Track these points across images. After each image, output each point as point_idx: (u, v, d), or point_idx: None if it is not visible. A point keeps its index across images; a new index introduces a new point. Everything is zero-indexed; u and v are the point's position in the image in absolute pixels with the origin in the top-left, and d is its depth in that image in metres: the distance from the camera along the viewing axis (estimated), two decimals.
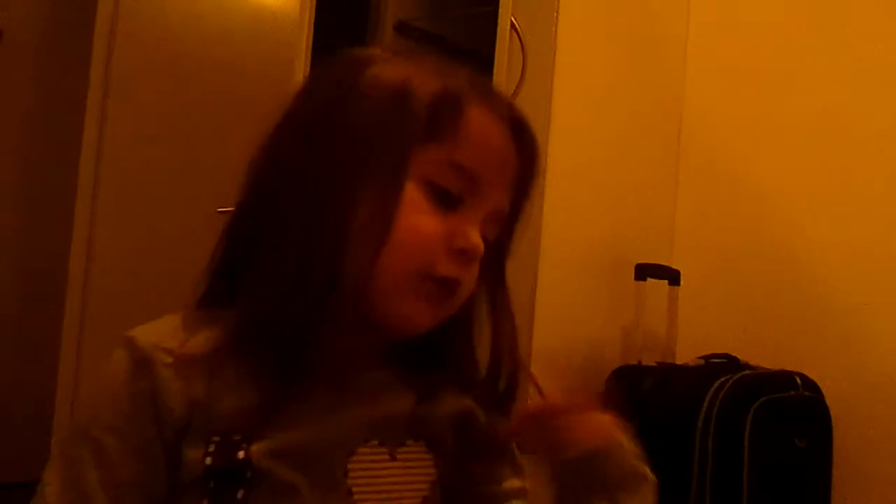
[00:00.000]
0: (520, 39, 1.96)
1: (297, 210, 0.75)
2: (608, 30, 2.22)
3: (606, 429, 0.82)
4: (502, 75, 1.93)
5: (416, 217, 0.74)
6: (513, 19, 1.95)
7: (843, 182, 2.25)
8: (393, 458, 0.77)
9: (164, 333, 0.74)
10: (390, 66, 0.79)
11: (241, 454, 0.71)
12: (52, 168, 3.05)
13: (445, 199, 0.76)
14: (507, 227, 0.83)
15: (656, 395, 1.97)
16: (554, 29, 1.99)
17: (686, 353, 2.20)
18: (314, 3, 2.13)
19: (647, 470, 0.82)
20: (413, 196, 0.74)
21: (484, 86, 0.80)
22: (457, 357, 0.83)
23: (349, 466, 0.75)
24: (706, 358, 2.10)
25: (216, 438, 0.71)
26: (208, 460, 0.70)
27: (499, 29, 1.96)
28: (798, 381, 2.00)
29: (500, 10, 1.97)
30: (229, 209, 2.27)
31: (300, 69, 2.10)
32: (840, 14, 2.30)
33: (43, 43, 3.15)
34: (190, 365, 0.72)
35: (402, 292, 0.75)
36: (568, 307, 2.05)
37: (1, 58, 3.07)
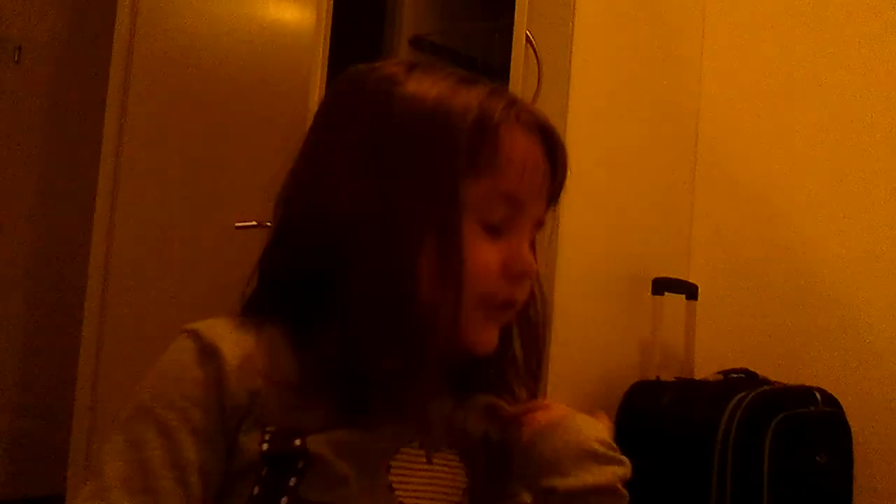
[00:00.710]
0: (535, 53, 1.96)
1: (365, 250, 0.76)
2: (624, 44, 2.22)
3: (558, 413, 0.83)
4: (518, 89, 1.93)
5: (477, 249, 0.77)
6: (528, 33, 1.95)
7: (862, 195, 2.24)
8: (429, 462, 0.80)
9: (223, 330, 0.77)
10: (417, 87, 0.79)
11: (297, 442, 0.73)
12: (70, 182, 3.07)
13: (495, 227, 0.79)
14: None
15: (674, 410, 1.96)
16: (569, 43, 1.98)
17: (704, 369, 2.18)
18: (331, 16, 2.14)
19: (607, 450, 0.81)
20: (469, 228, 0.77)
21: (509, 99, 0.81)
22: (499, 359, 0.86)
23: (392, 463, 0.77)
24: (725, 373, 2.08)
25: (272, 428, 0.73)
26: (265, 447, 0.72)
27: (514, 43, 1.96)
28: (818, 396, 1.98)
29: (516, 23, 1.97)
30: (248, 224, 2.27)
31: (316, 83, 2.11)
32: (856, 29, 2.29)
33: (61, 59, 3.18)
34: (250, 360, 0.74)
35: (471, 322, 0.78)
36: (585, 322, 2.04)
37: (20, 73, 3.10)
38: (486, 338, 0.80)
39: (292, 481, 0.72)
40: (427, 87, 0.79)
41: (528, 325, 0.87)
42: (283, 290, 0.81)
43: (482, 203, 0.77)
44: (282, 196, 0.84)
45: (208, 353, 0.74)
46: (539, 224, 0.83)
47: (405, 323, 0.75)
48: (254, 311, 0.82)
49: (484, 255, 0.77)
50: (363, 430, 0.75)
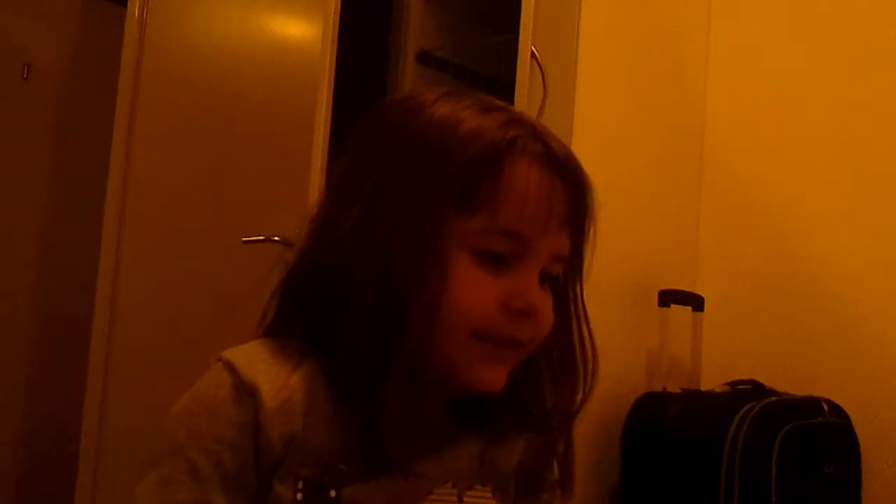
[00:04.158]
0: (540, 68, 1.97)
1: (358, 282, 0.76)
2: (628, 57, 2.23)
3: None
4: (523, 104, 1.94)
5: (468, 283, 0.75)
6: (533, 48, 1.96)
7: (868, 205, 2.24)
8: (460, 501, 0.80)
9: (261, 363, 0.75)
10: (430, 117, 0.78)
11: (332, 493, 0.72)
12: (79, 197, 3.08)
13: (497, 261, 0.76)
14: (570, 264, 0.83)
15: (681, 422, 1.96)
16: (574, 58, 1.99)
17: (711, 380, 2.18)
18: (337, 32, 2.16)
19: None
20: (462, 263, 0.75)
21: (523, 129, 0.78)
22: (523, 396, 0.84)
23: None
24: (732, 384, 2.08)
25: (307, 475, 0.72)
26: (299, 496, 0.71)
27: (519, 58, 1.97)
28: (825, 407, 1.98)
29: (521, 39, 1.98)
30: (255, 239, 2.29)
31: (323, 98, 2.12)
32: (863, 37, 2.30)
33: (70, 77, 3.20)
34: (289, 401, 0.73)
35: (469, 358, 0.76)
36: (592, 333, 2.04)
37: (29, 90, 3.12)
38: (488, 376, 0.77)
39: None
40: (440, 115, 0.78)
41: (560, 365, 0.84)
42: (307, 319, 0.80)
43: (478, 236, 0.75)
44: (310, 220, 0.84)
45: (245, 391, 0.73)
46: (560, 256, 0.80)
47: (397, 359, 0.73)
48: (283, 331, 0.80)
49: (477, 290, 0.75)
50: (397, 476, 0.75)
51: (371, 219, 0.77)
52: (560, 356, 0.84)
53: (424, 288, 0.74)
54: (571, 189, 0.80)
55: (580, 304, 0.86)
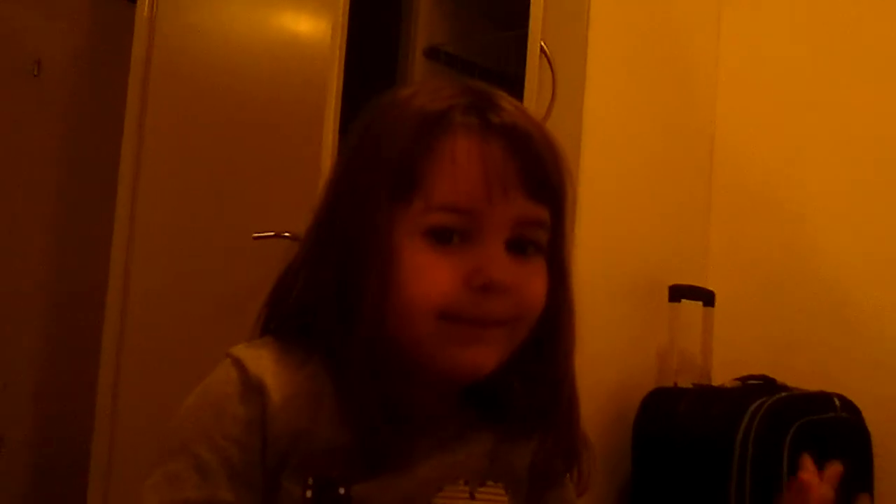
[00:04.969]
0: (550, 64, 1.96)
1: (325, 270, 0.78)
2: (638, 53, 2.22)
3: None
4: (532, 100, 1.94)
5: (421, 265, 0.74)
6: (543, 43, 1.96)
7: (879, 201, 2.23)
8: (472, 497, 0.79)
9: (268, 360, 0.75)
10: (391, 109, 0.79)
11: (341, 490, 0.72)
12: (89, 193, 3.09)
13: (448, 239, 0.75)
14: (553, 233, 0.81)
15: (692, 417, 1.96)
16: (584, 53, 1.99)
17: (722, 375, 2.18)
18: (346, 28, 2.16)
19: None
20: (412, 247, 0.74)
21: (469, 101, 0.77)
22: (529, 392, 0.82)
23: (434, 502, 0.77)
24: (743, 379, 2.08)
25: (316, 473, 0.72)
26: (308, 493, 0.72)
27: (529, 53, 1.97)
28: (836, 402, 1.98)
29: (530, 34, 1.97)
30: (265, 234, 2.29)
31: (332, 94, 2.12)
32: (873, 36, 2.29)
33: (81, 73, 3.21)
34: (295, 397, 0.73)
35: (443, 342, 0.75)
36: (601, 330, 2.04)
37: (40, 87, 3.13)
38: (467, 358, 0.75)
39: None
40: (393, 105, 0.79)
41: (547, 340, 0.83)
42: (297, 318, 0.80)
43: (421, 218, 0.74)
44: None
45: (253, 387, 0.73)
46: (530, 220, 0.77)
47: (355, 347, 0.73)
48: (287, 329, 0.81)
49: (432, 270, 0.73)
50: (407, 473, 0.75)
51: (331, 215, 0.79)
52: (545, 328, 0.82)
53: (374, 275, 0.73)
54: (518, 153, 0.76)
55: (565, 272, 0.84)
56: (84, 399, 2.63)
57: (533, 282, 0.78)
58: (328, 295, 0.76)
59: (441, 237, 0.74)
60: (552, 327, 0.83)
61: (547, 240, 0.80)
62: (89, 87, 3.22)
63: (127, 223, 2.59)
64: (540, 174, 0.77)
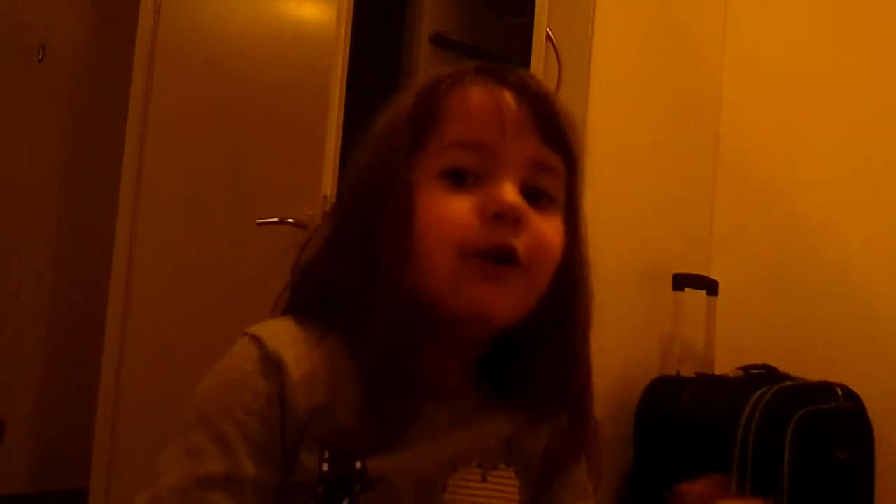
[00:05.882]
0: (555, 50, 1.96)
1: (350, 242, 0.80)
2: (644, 40, 2.22)
3: None
4: None
5: (437, 201, 0.76)
6: (548, 30, 1.96)
7: (883, 189, 2.23)
8: (484, 480, 0.80)
9: (286, 337, 0.76)
10: (401, 91, 0.82)
11: (357, 464, 0.73)
12: (93, 179, 3.10)
13: (463, 177, 0.77)
14: (568, 190, 0.82)
15: (695, 406, 1.96)
16: (589, 40, 1.99)
17: (725, 364, 2.18)
18: (351, 14, 2.15)
19: None
20: (428, 187, 0.76)
21: (477, 69, 0.81)
22: (547, 371, 0.83)
23: (448, 483, 0.77)
24: (745, 369, 2.08)
25: (333, 446, 0.73)
26: (325, 466, 0.72)
27: (534, 40, 1.97)
28: (839, 392, 1.98)
29: (536, 21, 1.97)
30: (269, 221, 2.29)
31: (337, 81, 2.12)
32: (880, 23, 2.28)
33: (85, 58, 3.22)
34: (313, 373, 0.74)
35: (462, 278, 0.75)
36: (605, 318, 2.04)
37: (44, 71, 3.14)
38: (484, 296, 0.75)
39: (345, 502, 0.72)
40: (416, 80, 0.82)
41: (564, 304, 0.83)
42: (318, 294, 0.81)
43: (435, 159, 0.77)
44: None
45: (272, 363, 0.73)
46: (541, 164, 0.79)
47: (380, 293, 0.75)
48: (306, 311, 0.81)
49: (448, 205, 0.75)
50: (422, 448, 0.75)
51: (352, 185, 0.82)
52: (563, 288, 0.83)
53: (394, 220, 0.75)
54: (532, 102, 0.78)
55: (581, 230, 0.85)
56: (88, 385, 2.64)
57: (548, 226, 0.79)
58: (351, 255, 0.78)
59: (455, 178, 0.76)
60: (570, 288, 0.84)
61: (562, 196, 0.81)
62: (94, 72, 3.22)
63: (131, 210, 2.59)
64: (553, 123, 0.79)
